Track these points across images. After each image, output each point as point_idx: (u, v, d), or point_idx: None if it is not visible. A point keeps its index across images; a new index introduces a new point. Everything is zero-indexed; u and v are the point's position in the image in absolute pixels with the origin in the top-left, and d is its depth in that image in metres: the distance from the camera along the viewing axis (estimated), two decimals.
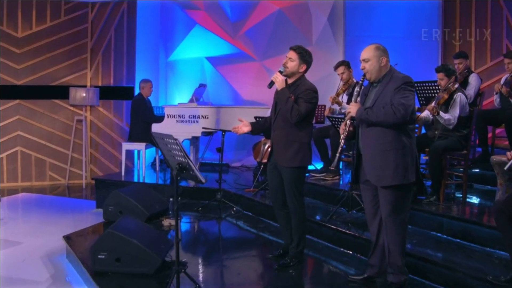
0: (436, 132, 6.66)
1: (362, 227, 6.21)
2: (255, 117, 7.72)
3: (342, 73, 8.17)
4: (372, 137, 4.70)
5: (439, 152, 6.35)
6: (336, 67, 8.26)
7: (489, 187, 7.31)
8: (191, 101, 9.39)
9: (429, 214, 6.15)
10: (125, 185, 8.50)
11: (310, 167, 9.21)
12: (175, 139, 4.07)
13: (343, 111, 8.05)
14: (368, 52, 4.75)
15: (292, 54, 5.38)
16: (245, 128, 5.63)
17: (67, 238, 6.60)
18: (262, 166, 8.52)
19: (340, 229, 6.25)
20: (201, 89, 10.02)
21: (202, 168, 10.14)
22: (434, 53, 10.54)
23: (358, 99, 4.87)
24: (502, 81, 8.01)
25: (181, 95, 11.25)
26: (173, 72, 11.50)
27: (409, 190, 4.74)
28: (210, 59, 11.05)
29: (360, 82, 4.84)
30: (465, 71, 8.54)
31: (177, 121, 9.07)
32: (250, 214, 7.81)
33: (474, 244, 5.61)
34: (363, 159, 4.81)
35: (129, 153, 10.49)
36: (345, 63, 8.21)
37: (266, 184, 8.00)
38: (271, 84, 5.33)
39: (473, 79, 8.39)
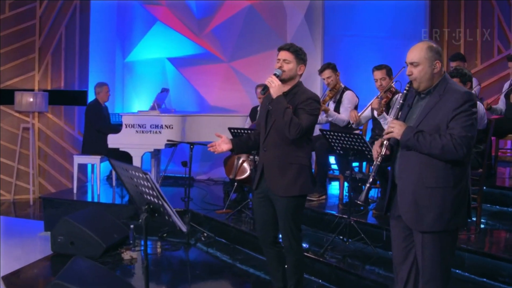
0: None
1: (365, 261, 5.30)
2: (230, 129, 6.69)
3: (328, 77, 7.19)
4: (415, 166, 3.64)
5: None
6: (321, 71, 7.27)
7: (497, 207, 6.39)
8: (152, 108, 8.25)
9: None
10: (77, 206, 7.50)
11: None
12: (145, 174, 2.98)
13: (330, 119, 7.06)
14: (418, 53, 3.69)
15: (287, 55, 4.38)
16: (225, 146, 4.56)
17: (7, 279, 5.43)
18: (236, 183, 7.50)
19: (340, 266, 5.25)
20: (164, 94, 8.95)
21: (165, 182, 9.06)
22: None
23: (399, 113, 3.81)
24: (506, 87, 7.21)
25: (140, 101, 10.15)
26: (131, 74, 10.39)
27: (455, 234, 3.72)
28: (172, 60, 10.02)
29: (405, 92, 3.79)
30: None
31: (136, 131, 7.91)
32: (224, 241, 6.76)
33: (505, 285, 4.68)
34: (398, 191, 3.75)
35: (82, 166, 9.32)
36: (331, 66, 7.23)
37: (242, 206, 6.97)
38: (265, 89, 4.30)
39: (473, 84, 7.53)
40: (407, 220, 3.66)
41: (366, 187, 3.78)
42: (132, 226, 6.63)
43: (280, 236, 4.50)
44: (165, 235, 7.02)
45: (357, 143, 5.60)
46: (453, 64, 7.75)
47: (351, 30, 9.49)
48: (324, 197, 7.13)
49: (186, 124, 7.91)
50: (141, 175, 2.97)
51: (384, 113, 6.05)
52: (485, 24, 9.53)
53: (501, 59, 9.37)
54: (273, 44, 9.12)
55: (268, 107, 4.33)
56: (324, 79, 7.27)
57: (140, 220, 3.16)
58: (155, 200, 3.07)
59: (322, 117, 7.05)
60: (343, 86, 7.24)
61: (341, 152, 5.80)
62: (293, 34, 9.33)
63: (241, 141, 4.67)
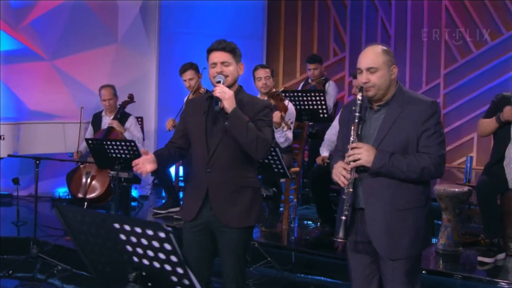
0: None
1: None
2: (87, 140, 5.68)
3: (191, 79, 6.44)
4: (384, 189, 3.17)
5: None
6: (182, 72, 6.50)
7: None
8: None
9: None
10: None
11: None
12: (168, 233, 1.98)
13: None
14: (374, 57, 3.18)
15: (224, 56, 3.62)
16: (149, 166, 3.63)
17: None
18: (86, 203, 6.42)
19: None
20: None
21: None
22: (259, 52, 9.44)
23: (359, 129, 3.22)
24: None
25: None
26: None
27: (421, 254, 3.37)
28: None
29: (359, 102, 3.19)
30: (322, 78, 7.49)
31: None
32: (85, 274, 5.63)
33: None
34: (367, 218, 3.21)
35: None
36: (194, 67, 6.50)
37: None
38: (217, 102, 3.44)
39: (331, 87, 7.41)
40: (380, 248, 3.20)
41: (343, 221, 3.16)
42: None
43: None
44: (10, 272, 5.72)
45: None
46: (310, 66, 7.50)
47: (189, 27, 8.84)
48: None
49: (21, 134, 6.62)
50: (160, 234, 2.01)
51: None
52: (321, 25, 9.49)
53: (337, 60, 9.42)
54: (103, 41, 8.22)
55: (225, 124, 3.45)
56: (185, 80, 6.50)
57: None
58: (158, 264, 2.13)
59: None
60: (205, 89, 6.53)
61: None
62: (126, 30, 8.40)
63: (165, 160, 3.79)
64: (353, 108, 3.21)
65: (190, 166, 6.09)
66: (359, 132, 3.19)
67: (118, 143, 5.65)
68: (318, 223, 6.14)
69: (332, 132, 5.74)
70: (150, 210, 6.80)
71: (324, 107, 6.57)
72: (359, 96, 3.19)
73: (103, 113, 6.91)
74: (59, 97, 8.30)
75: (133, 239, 2.13)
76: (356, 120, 3.19)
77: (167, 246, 2.03)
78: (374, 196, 3.18)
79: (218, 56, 3.61)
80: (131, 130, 6.71)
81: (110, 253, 2.31)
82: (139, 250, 2.16)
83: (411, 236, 3.16)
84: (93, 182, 6.44)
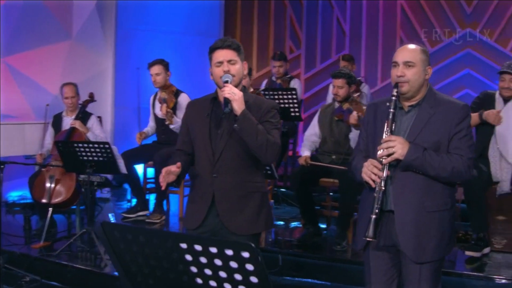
0: (334, 157, 5.30)
1: None
2: (57, 143, 5.42)
3: (157, 74, 6.23)
4: (414, 190, 3.10)
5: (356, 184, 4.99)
6: (150, 66, 6.28)
7: None
8: None
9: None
10: None
11: (126, 205, 7.12)
12: (256, 253, 1.81)
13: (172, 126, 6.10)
14: (412, 53, 3.15)
15: (230, 54, 3.41)
16: (171, 177, 3.40)
17: None
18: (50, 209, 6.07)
19: None
20: None
21: None
22: None
23: (393, 126, 3.14)
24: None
25: None
26: None
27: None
28: None
29: (394, 98, 3.10)
30: (287, 76, 7.41)
31: None
32: (57, 284, 5.35)
33: None
34: (396, 220, 3.13)
35: None
36: (163, 63, 6.28)
37: (74, 238, 5.65)
38: (227, 104, 3.25)
39: (296, 85, 7.31)
40: (409, 252, 3.13)
41: (373, 219, 3.07)
42: None
43: None
44: None
45: None
46: (275, 64, 7.42)
47: (146, 24, 8.62)
48: (164, 217, 6.19)
49: None
50: (244, 254, 1.84)
51: None
52: (278, 22, 9.43)
53: (293, 58, 9.38)
54: (57, 38, 7.89)
55: (235, 127, 3.27)
56: (152, 75, 6.26)
57: None
58: (230, 286, 1.96)
59: (176, 125, 6.04)
60: (175, 89, 6.34)
61: None
62: (81, 26, 8.07)
63: (185, 163, 3.55)
64: (387, 104, 3.13)
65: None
66: (393, 129, 3.12)
67: (90, 145, 5.37)
68: (291, 224, 6.10)
69: (311, 132, 5.68)
70: (119, 214, 6.52)
71: (296, 105, 6.50)
72: (394, 92, 3.13)
73: (63, 113, 6.56)
74: (10, 95, 7.89)
75: (203, 260, 1.95)
76: (390, 116, 3.11)
77: (249, 267, 1.87)
78: (403, 196, 3.11)
79: (224, 55, 3.41)
80: (94, 130, 6.42)
81: (165, 274, 2.13)
82: (208, 271, 1.99)
83: (437, 241, 3.12)
84: (58, 187, 6.09)
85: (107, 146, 5.33)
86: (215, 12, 9.36)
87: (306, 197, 5.29)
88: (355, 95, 5.73)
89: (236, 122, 3.24)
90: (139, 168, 6.49)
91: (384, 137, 3.09)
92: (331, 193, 5.81)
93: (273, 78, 7.58)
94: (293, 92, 6.48)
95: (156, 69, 6.22)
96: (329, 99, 7.08)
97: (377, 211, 3.06)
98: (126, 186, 7.89)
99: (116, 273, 5.22)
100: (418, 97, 3.18)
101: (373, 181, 3.07)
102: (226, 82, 3.32)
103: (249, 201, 3.43)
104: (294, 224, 6.18)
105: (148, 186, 6.63)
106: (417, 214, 3.09)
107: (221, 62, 3.40)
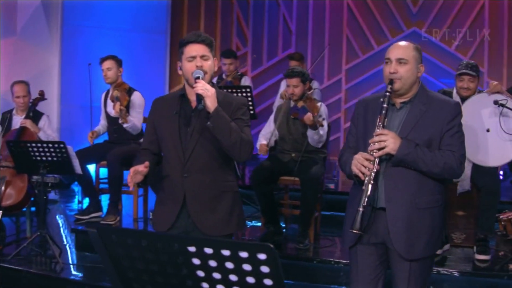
0: (293, 155, 5.34)
1: None
2: (8, 142, 5.28)
3: (108, 69, 6.08)
4: (407, 186, 3.13)
5: (317, 182, 5.05)
6: (101, 61, 6.13)
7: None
8: None
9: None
10: None
11: (75, 206, 6.96)
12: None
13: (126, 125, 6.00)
14: (406, 50, 3.19)
15: (203, 49, 3.31)
16: (139, 177, 3.34)
17: None
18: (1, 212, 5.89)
19: None
20: None
21: None
22: (162, 46, 9.24)
23: (385, 120, 3.17)
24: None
25: None
26: None
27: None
28: None
29: (387, 94, 3.14)
30: (238, 73, 7.42)
31: None
32: None
33: None
34: (388, 217, 3.14)
35: None
36: (115, 59, 6.14)
37: (28, 242, 5.49)
38: (200, 100, 3.17)
39: (247, 82, 7.34)
40: (400, 249, 3.14)
41: (360, 212, 3.03)
42: None
43: None
44: None
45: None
46: (226, 61, 7.39)
47: (92, 21, 8.45)
48: (119, 218, 6.08)
49: None
50: (260, 256, 1.82)
51: None
52: (224, 20, 9.43)
53: (239, 55, 9.38)
54: None
55: (207, 125, 3.19)
56: (103, 70, 6.13)
57: None
58: None
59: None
60: (128, 86, 6.23)
61: None
62: (25, 23, 7.84)
63: (151, 170, 3.41)
64: (381, 100, 3.16)
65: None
66: (385, 125, 3.14)
67: (45, 145, 5.21)
68: (251, 223, 6.12)
69: (267, 131, 5.73)
70: (70, 216, 6.38)
71: (251, 103, 6.50)
72: (388, 89, 3.16)
73: (13, 112, 6.36)
74: None
75: (212, 263, 1.91)
76: (384, 112, 3.14)
77: (265, 269, 1.85)
78: (396, 193, 3.12)
79: (197, 49, 3.30)
80: (45, 129, 6.25)
81: (166, 280, 2.10)
82: (216, 275, 1.96)
83: (428, 236, 3.15)
84: (8, 189, 5.88)
85: (62, 146, 5.19)
86: (162, 9, 9.26)
87: (267, 195, 5.29)
88: (309, 92, 5.79)
89: (209, 120, 3.17)
90: (91, 168, 6.35)
91: (376, 131, 3.11)
92: (290, 192, 5.83)
93: (223, 76, 7.51)
94: (248, 90, 6.48)
95: (108, 63, 6.06)
96: (277, 98, 7.07)
97: (364, 204, 3.05)
98: (74, 186, 7.73)
99: (72, 277, 5.15)
100: (410, 94, 3.22)
101: (363, 174, 3.07)
102: (198, 78, 3.22)
103: (221, 201, 3.39)
104: (253, 223, 6.18)
105: (101, 186, 6.49)
106: (409, 211, 3.11)
107: (193, 57, 3.29)
